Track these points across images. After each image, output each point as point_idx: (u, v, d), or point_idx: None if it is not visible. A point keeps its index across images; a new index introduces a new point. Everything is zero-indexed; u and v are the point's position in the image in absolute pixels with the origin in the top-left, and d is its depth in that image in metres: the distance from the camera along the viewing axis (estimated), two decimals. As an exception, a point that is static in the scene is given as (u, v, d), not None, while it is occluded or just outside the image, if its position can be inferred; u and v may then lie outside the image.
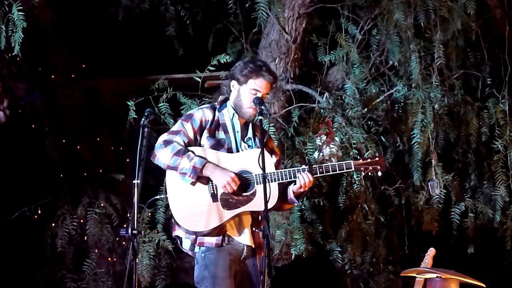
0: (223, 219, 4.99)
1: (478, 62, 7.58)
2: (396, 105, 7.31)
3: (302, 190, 5.11)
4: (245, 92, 5.15)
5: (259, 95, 5.11)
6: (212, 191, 5.01)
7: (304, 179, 5.05)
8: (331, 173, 5.15)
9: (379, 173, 5.29)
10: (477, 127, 7.34)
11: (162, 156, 5.01)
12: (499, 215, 7.31)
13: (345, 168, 5.14)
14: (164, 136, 5.09)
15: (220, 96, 5.34)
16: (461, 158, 7.55)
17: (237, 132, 5.19)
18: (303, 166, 5.10)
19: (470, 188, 7.55)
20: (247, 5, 7.27)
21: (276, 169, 5.06)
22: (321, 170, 5.10)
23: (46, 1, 7.32)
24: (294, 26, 7.27)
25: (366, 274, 7.44)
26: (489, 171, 7.46)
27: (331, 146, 7.05)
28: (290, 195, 5.16)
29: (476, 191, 7.55)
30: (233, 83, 5.22)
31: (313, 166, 5.10)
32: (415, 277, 5.80)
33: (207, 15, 7.89)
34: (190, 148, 5.04)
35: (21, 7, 6.54)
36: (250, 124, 5.24)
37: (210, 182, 5.02)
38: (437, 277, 5.67)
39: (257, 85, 5.13)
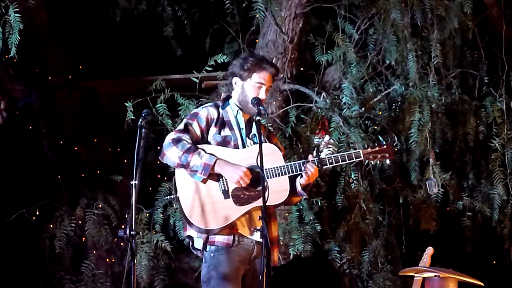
0: (236, 216, 4.94)
1: (475, 61, 7.60)
2: (394, 104, 7.31)
3: (309, 181, 5.07)
4: (250, 87, 5.09)
5: (263, 88, 5.07)
6: (223, 188, 4.96)
7: (311, 170, 5.00)
8: (340, 163, 5.09)
9: (388, 161, 5.27)
10: (475, 126, 7.35)
11: (172, 154, 4.94)
12: (497, 214, 7.32)
13: (354, 157, 5.09)
14: (172, 135, 5.01)
15: (222, 94, 5.27)
16: (459, 157, 7.56)
17: (242, 129, 5.13)
18: (311, 158, 5.04)
19: (468, 187, 7.56)
20: (244, 5, 7.26)
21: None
22: (330, 161, 5.05)
23: (42, 2, 7.32)
24: (291, 26, 7.27)
25: (364, 273, 7.43)
26: (486, 169, 7.47)
27: (329, 146, 7.06)
28: (298, 187, 5.11)
29: (474, 190, 7.56)
30: (235, 80, 5.14)
31: (322, 157, 5.05)
32: (414, 276, 5.80)
33: (204, 16, 7.90)
34: (198, 145, 4.99)
35: (18, 9, 6.52)
36: (254, 122, 5.17)
37: (221, 179, 4.97)
38: (435, 276, 5.67)
39: (261, 78, 5.07)
